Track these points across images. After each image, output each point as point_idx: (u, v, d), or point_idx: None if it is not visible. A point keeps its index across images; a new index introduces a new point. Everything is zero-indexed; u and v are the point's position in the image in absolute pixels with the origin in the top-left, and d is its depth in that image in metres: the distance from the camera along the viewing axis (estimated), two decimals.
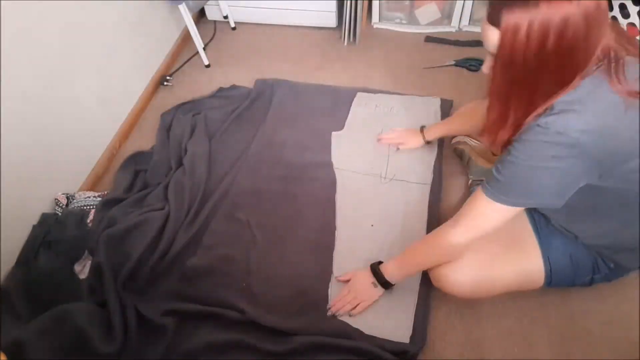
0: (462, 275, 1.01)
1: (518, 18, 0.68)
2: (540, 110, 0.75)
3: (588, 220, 0.95)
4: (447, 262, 1.00)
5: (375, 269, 1.12)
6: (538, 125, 0.74)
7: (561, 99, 0.74)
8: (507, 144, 0.83)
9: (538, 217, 1.03)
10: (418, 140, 1.43)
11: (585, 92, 0.73)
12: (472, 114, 1.30)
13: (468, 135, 1.39)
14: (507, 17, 0.68)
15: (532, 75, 0.73)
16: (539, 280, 1.02)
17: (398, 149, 1.48)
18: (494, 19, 0.71)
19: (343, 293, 1.15)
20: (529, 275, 1.02)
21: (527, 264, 1.01)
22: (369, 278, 1.13)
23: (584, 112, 0.72)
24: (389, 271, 1.10)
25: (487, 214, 0.87)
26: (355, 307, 1.12)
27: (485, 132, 0.87)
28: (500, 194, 0.83)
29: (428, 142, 1.44)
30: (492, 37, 0.72)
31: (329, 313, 1.13)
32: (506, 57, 0.72)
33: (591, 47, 0.70)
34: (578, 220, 0.96)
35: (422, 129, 1.43)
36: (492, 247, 1.01)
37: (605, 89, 0.73)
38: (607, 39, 0.72)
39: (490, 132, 0.85)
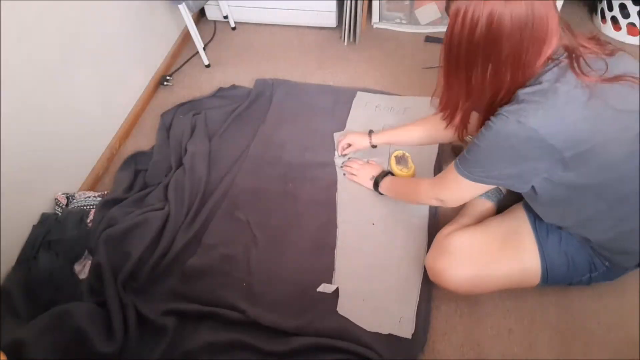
0: (460, 271, 1.03)
1: (460, 4, 0.76)
2: (504, 98, 0.83)
3: (579, 221, 0.96)
4: (412, 203, 1.27)
5: (380, 176, 1.33)
6: (501, 114, 0.80)
7: (524, 90, 0.79)
8: (463, 128, 0.97)
9: (536, 214, 1.04)
10: (365, 143, 1.40)
11: (547, 84, 0.78)
12: (424, 124, 1.30)
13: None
14: (454, 3, 0.77)
15: (465, 60, 0.80)
16: (535, 277, 1.03)
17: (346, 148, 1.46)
18: (447, 7, 0.80)
19: (357, 162, 1.44)
20: (526, 271, 1.03)
21: (524, 261, 1.02)
22: (373, 172, 1.36)
23: (544, 103, 0.76)
24: (384, 183, 1.32)
25: (453, 186, 0.99)
26: (352, 175, 1.42)
27: (441, 116, 0.98)
28: (465, 170, 0.92)
29: (374, 146, 1.40)
30: None
31: (341, 164, 1.46)
32: (447, 39, 0.81)
33: (530, 45, 0.76)
34: (567, 220, 0.97)
35: (370, 132, 1.40)
36: (490, 243, 1.04)
37: (568, 81, 0.77)
38: (562, 40, 0.80)
39: (444, 116, 0.96)
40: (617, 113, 0.78)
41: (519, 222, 1.06)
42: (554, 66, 0.79)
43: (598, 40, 0.85)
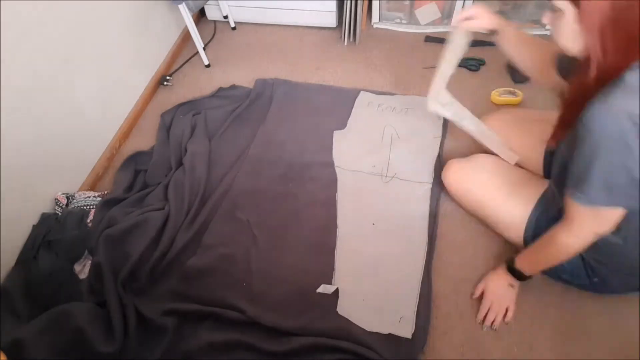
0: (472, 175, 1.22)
1: None
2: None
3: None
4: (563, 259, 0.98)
5: (512, 267, 1.08)
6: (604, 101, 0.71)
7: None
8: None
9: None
10: (489, 24, 1.13)
11: None
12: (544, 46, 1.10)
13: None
14: None
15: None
16: (519, 230, 1.10)
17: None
18: None
19: (485, 306, 1.11)
20: (512, 218, 1.11)
21: (516, 206, 1.10)
22: (504, 280, 1.10)
23: None
24: (523, 268, 1.07)
25: (588, 222, 0.85)
26: (506, 313, 1.10)
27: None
28: (584, 195, 0.79)
29: (491, 32, 1.15)
30: None
31: (484, 328, 1.11)
32: None
33: None
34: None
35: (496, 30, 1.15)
36: (499, 177, 1.18)
37: None
38: None
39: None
40: None
41: (537, 181, 1.14)
42: None
43: None
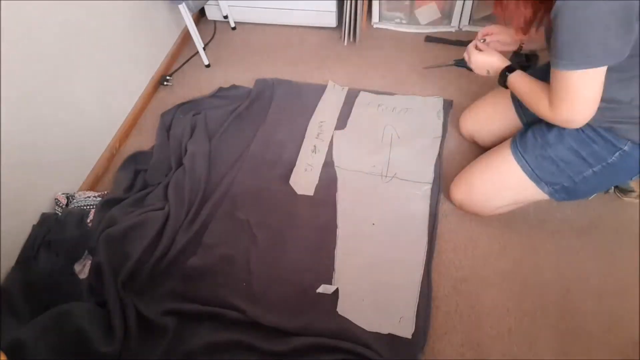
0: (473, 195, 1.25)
1: None
2: None
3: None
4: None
5: (512, 67, 1.12)
6: None
7: None
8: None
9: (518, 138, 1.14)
10: (508, 40, 1.23)
11: None
12: None
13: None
14: None
15: None
16: (530, 186, 1.12)
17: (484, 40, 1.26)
18: None
19: (476, 48, 1.20)
20: (512, 177, 1.14)
21: (508, 169, 1.14)
22: (492, 64, 1.15)
23: None
24: (512, 78, 1.10)
25: (565, 94, 0.90)
26: (469, 58, 1.20)
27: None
28: (565, 61, 0.85)
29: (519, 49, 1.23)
30: None
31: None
32: None
33: None
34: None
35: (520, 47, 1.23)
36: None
37: None
38: None
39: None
40: None
41: (498, 151, 1.21)
42: None
43: None
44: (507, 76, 1.10)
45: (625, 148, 0.99)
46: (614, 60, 0.84)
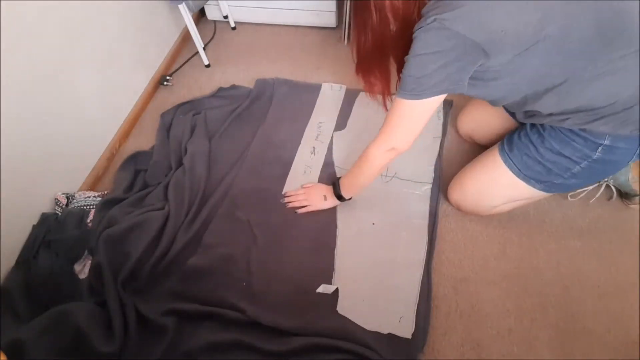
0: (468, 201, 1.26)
1: None
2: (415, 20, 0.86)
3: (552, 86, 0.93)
4: (373, 177, 1.18)
5: (335, 183, 1.29)
6: (421, 27, 0.82)
7: (428, 5, 0.85)
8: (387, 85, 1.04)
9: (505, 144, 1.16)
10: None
11: None
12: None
13: None
14: None
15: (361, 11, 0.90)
16: (514, 178, 1.13)
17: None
18: None
19: (298, 192, 1.37)
20: (502, 177, 1.15)
21: (497, 170, 1.15)
22: (323, 191, 1.33)
23: (450, 4, 0.80)
24: (343, 187, 1.27)
25: (398, 121, 1.00)
26: (303, 207, 1.33)
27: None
28: (404, 91, 0.92)
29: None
30: None
31: (282, 200, 1.36)
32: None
33: None
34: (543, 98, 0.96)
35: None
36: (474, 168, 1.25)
37: None
38: None
39: (367, 83, 1.05)
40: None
41: (489, 152, 1.23)
42: None
43: None
44: (338, 187, 1.27)
45: (606, 142, 0.96)
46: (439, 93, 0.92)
